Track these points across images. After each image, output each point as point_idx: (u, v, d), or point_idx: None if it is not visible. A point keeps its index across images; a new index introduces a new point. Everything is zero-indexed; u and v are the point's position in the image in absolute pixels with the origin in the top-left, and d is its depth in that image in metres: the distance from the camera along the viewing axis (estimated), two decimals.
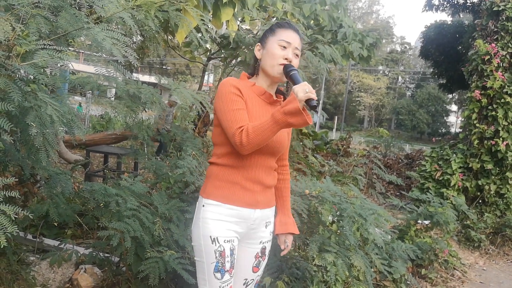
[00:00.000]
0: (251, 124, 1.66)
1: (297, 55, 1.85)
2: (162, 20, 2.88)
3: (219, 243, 1.76)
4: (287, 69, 1.78)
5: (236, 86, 1.77)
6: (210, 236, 1.76)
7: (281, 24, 1.88)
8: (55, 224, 3.37)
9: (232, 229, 1.80)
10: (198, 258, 1.82)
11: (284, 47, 1.81)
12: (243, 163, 1.79)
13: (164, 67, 39.25)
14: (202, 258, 1.79)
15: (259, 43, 1.91)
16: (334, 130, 31.08)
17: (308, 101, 1.58)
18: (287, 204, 2.08)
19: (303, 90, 1.57)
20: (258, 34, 5.10)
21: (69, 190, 2.84)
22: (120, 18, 2.04)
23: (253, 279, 1.97)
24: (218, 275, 1.77)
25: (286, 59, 1.80)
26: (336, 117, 35.74)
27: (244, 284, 1.95)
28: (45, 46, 1.64)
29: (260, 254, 1.95)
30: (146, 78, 30.26)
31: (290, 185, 2.13)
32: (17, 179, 2.83)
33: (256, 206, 1.84)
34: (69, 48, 2.06)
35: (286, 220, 2.03)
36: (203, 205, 1.81)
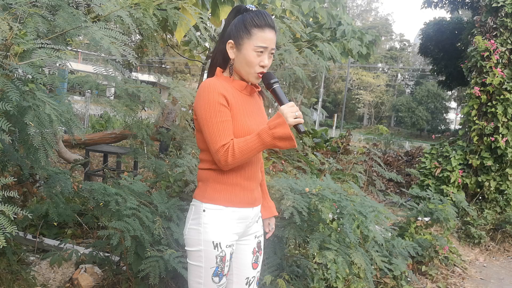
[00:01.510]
0: (236, 143, 1.63)
1: (272, 55, 1.76)
2: (161, 19, 2.87)
3: (221, 248, 1.73)
4: (268, 80, 1.72)
5: (222, 93, 1.68)
6: (213, 242, 1.72)
7: (258, 23, 1.71)
8: (55, 224, 3.36)
9: (234, 232, 1.78)
10: (196, 263, 1.76)
11: (261, 51, 1.71)
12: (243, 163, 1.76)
13: (163, 66, 39.21)
14: (200, 263, 1.74)
15: (231, 40, 1.75)
16: (334, 127, 31.05)
17: (296, 126, 1.57)
18: (265, 188, 2.10)
19: (292, 114, 1.56)
20: None
21: (68, 190, 2.84)
22: (118, 16, 2.03)
23: (254, 277, 1.95)
24: (216, 279, 1.75)
25: (262, 66, 1.72)
26: (336, 114, 35.70)
27: (246, 283, 1.93)
28: (42, 45, 1.63)
29: (257, 249, 1.95)
30: (145, 77, 30.22)
31: (264, 169, 2.15)
32: (16, 179, 2.83)
33: (254, 204, 1.85)
34: (67, 47, 2.05)
35: (268, 204, 2.07)
36: (204, 210, 1.75)
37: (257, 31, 1.71)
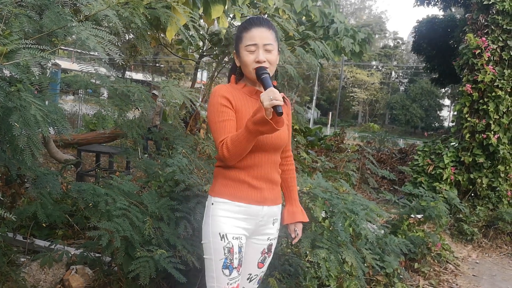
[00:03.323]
0: (230, 136, 1.71)
1: (269, 50, 1.83)
2: (150, 18, 2.85)
3: (227, 239, 1.81)
4: (258, 72, 1.78)
5: (225, 95, 1.80)
6: (219, 233, 1.81)
7: (244, 26, 1.86)
8: (45, 224, 3.34)
9: (241, 226, 1.85)
10: (207, 256, 1.86)
11: (253, 50, 1.81)
12: (248, 163, 1.83)
13: (157, 65, 39.06)
14: (210, 255, 1.83)
15: (234, 51, 1.93)
16: (329, 125, 31.08)
17: (274, 108, 1.58)
18: (294, 194, 2.13)
19: (268, 98, 1.58)
20: None
21: (56, 191, 2.82)
22: (105, 15, 2.01)
23: (257, 275, 2.02)
24: (227, 271, 1.81)
25: (258, 61, 1.80)
26: (330, 112, 35.74)
27: (248, 279, 2.00)
28: (27, 45, 1.62)
29: (266, 250, 2.00)
30: (139, 76, 30.08)
31: (295, 175, 2.17)
32: (2, 180, 2.80)
33: (264, 203, 1.88)
34: (54, 47, 2.04)
35: (293, 210, 2.10)
36: (212, 203, 1.85)
37: (245, 33, 1.84)
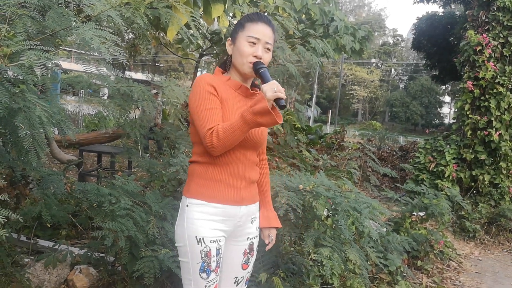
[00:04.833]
0: (221, 125, 1.63)
1: (268, 49, 1.80)
2: (152, 18, 2.85)
3: (205, 243, 1.73)
4: (256, 66, 1.74)
5: (210, 83, 1.72)
6: (196, 237, 1.72)
7: (251, 17, 1.80)
8: (49, 225, 3.35)
9: (219, 228, 1.77)
10: (183, 259, 1.78)
11: (254, 43, 1.76)
12: (226, 159, 1.75)
13: (157, 64, 39.05)
14: (187, 258, 1.75)
15: (229, 38, 1.84)
16: (329, 123, 31.07)
17: (276, 100, 1.56)
18: (268, 198, 2.07)
19: (271, 89, 1.55)
20: None
21: (61, 191, 2.82)
22: (108, 16, 2.01)
23: (243, 277, 1.96)
24: (204, 275, 1.75)
25: (255, 56, 1.75)
26: (330, 110, 35.72)
27: (234, 282, 1.94)
28: (31, 47, 1.62)
29: (248, 251, 1.93)
30: (139, 75, 30.06)
31: (269, 179, 2.11)
32: (8, 181, 2.80)
33: (242, 203, 1.81)
34: (58, 48, 2.04)
35: (268, 214, 2.02)
36: (187, 205, 1.77)
37: (250, 24, 1.78)
